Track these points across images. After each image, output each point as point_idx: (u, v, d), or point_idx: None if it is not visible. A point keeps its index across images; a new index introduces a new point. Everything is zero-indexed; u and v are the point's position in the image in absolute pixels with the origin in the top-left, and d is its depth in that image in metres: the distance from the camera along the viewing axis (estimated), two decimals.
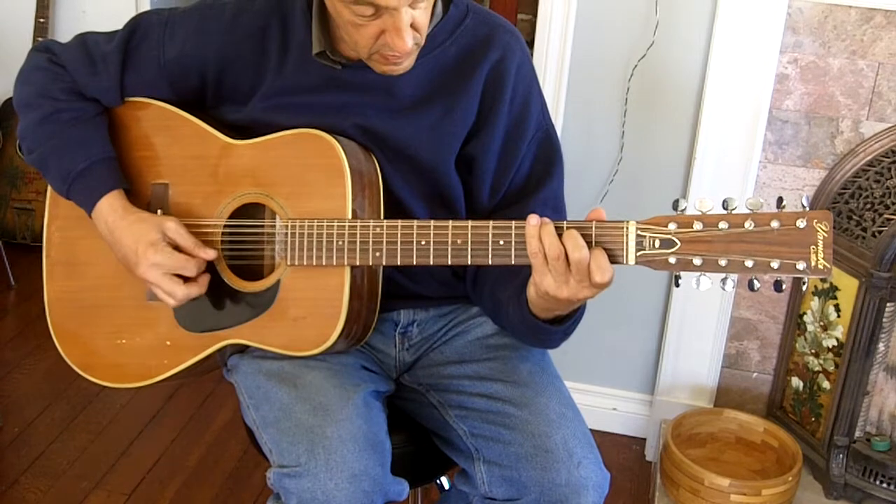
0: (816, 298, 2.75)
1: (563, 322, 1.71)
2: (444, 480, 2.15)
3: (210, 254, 1.80)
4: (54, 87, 1.87)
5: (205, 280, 1.80)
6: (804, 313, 2.81)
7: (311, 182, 1.76)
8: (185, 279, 1.78)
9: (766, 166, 2.77)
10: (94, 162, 1.84)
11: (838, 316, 2.71)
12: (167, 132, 1.89)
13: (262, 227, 1.83)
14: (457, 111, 1.81)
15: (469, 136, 1.84)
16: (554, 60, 2.82)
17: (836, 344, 2.72)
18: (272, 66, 1.82)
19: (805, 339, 2.82)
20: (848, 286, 2.65)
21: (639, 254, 1.54)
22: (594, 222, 1.55)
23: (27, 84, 1.91)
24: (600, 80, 2.85)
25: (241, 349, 1.90)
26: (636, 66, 2.79)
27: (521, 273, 1.66)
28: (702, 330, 2.95)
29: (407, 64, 1.71)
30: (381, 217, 1.80)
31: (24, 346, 3.50)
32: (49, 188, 1.94)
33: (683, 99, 2.80)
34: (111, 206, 1.83)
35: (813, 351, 2.80)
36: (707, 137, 2.76)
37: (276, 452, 1.71)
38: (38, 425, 3.12)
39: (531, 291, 1.64)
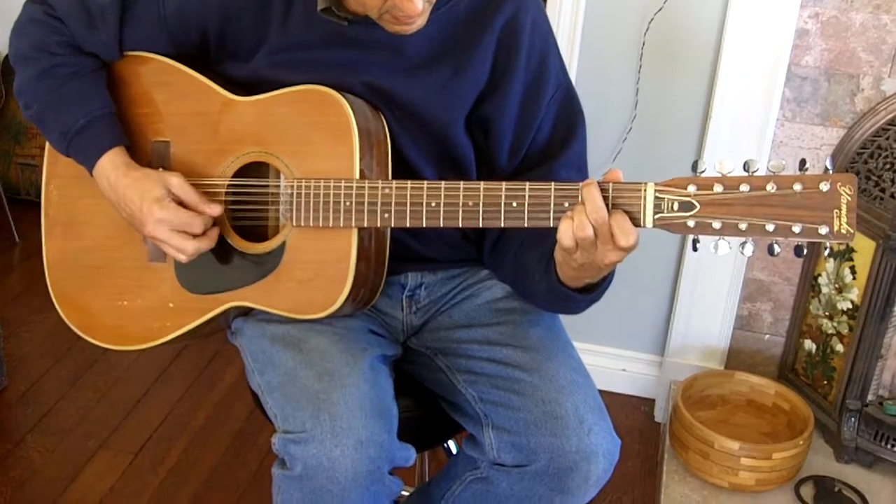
0: (832, 260, 2.72)
1: (592, 290, 1.67)
2: (452, 444, 2.13)
3: (216, 209, 1.76)
4: (51, 40, 1.83)
5: (214, 234, 1.78)
6: (819, 275, 2.78)
7: (317, 140, 1.72)
8: (194, 235, 1.76)
9: (783, 124, 2.72)
10: (94, 118, 1.80)
11: (854, 278, 2.67)
12: (168, 88, 1.85)
13: (267, 186, 1.79)
14: (468, 70, 1.77)
15: (483, 96, 1.79)
16: (567, 13, 2.77)
17: (850, 307, 2.69)
18: (276, 20, 1.77)
19: (819, 301, 2.79)
20: (864, 248, 2.62)
21: (657, 216, 1.50)
22: (611, 184, 1.51)
23: (23, 36, 1.86)
24: (615, 34, 2.80)
25: (246, 311, 1.87)
26: (652, 19, 2.73)
27: (548, 239, 1.62)
28: (714, 291, 2.92)
29: (420, 22, 1.66)
30: (389, 177, 1.76)
31: (29, 304, 3.50)
32: (47, 145, 1.90)
33: (700, 54, 2.75)
34: (113, 163, 1.79)
35: (827, 313, 2.77)
36: (724, 94, 2.71)
37: (280, 418, 1.69)
38: (43, 384, 3.11)
39: (558, 256, 1.60)
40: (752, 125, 2.72)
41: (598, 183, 1.51)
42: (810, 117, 2.71)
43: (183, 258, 1.76)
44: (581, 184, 1.53)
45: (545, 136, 1.82)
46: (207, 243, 1.76)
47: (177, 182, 1.75)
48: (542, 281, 1.70)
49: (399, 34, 1.68)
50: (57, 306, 1.92)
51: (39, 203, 1.93)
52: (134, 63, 1.86)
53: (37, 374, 3.16)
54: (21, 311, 3.46)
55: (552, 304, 1.78)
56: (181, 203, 1.75)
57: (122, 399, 3.08)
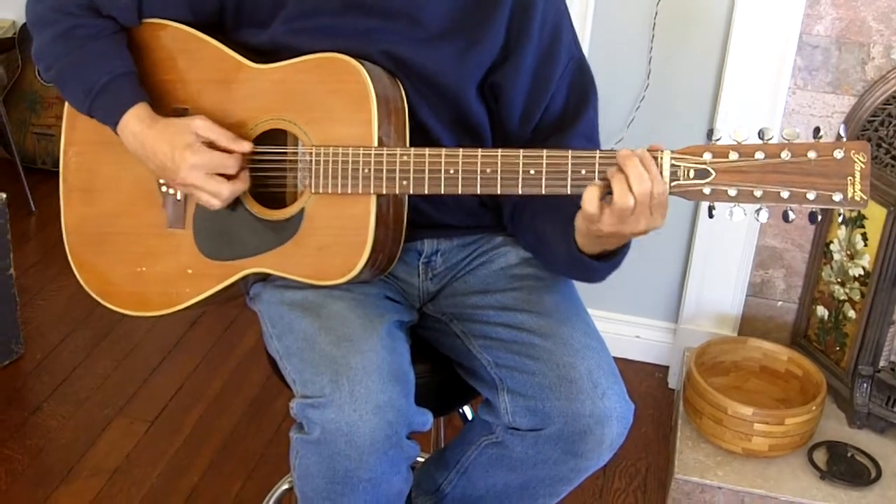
0: (843, 227, 2.73)
1: (610, 258, 1.69)
2: (468, 410, 2.15)
3: (246, 146, 1.76)
4: (70, 2, 1.82)
5: (246, 176, 1.77)
6: (831, 242, 2.78)
7: (335, 108, 1.73)
8: (228, 178, 1.76)
9: (795, 93, 2.72)
10: (117, 76, 1.80)
11: (865, 245, 2.68)
12: (186, 55, 1.85)
13: (286, 153, 1.80)
14: (483, 40, 1.78)
15: (495, 65, 1.81)
16: None
17: (862, 273, 2.70)
18: None
19: (831, 267, 2.80)
20: (876, 215, 2.62)
21: (673, 184, 1.52)
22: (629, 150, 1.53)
23: (42, 0, 1.86)
24: (628, 4, 2.81)
25: (264, 277, 1.88)
26: None
27: (564, 208, 1.63)
28: (727, 258, 2.93)
29: None
30: (407, 144, 1.77)
31: (45, 273, 3.52)
32: (65, 112, 1.91)
33: (712, 24, 2.75)
34: (138, 116, 1.78)
35: (839, 280, 2.78)
36: (736, 63, 2.72)
37: (299, 383, 1.70)
38: (60, 352, 3.13)
39: (581, 226, 1.62)
40: (764, 94, 2.72)
41: (615, 151, 1.54)
42: (821, 86, 2.71)
43: (217, 203, 1.75)
44: (597, 152, 1.56)
45: (558, 107, 1.84)
46: (241, 185, 1.76)
47: (202, 124, 1.75)
48: (561, 249, 1.71)
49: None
50: (76, 273, 1.93)
51: (55, 172, 1.94)
52: (152, 31, 1.86)
53: (53, 342, 3.17)
54: (38, 280, 3.47)
55: (572, 272, 1.80)
56: (211, 145, 1.75)
57: (138, 367, 3.09)
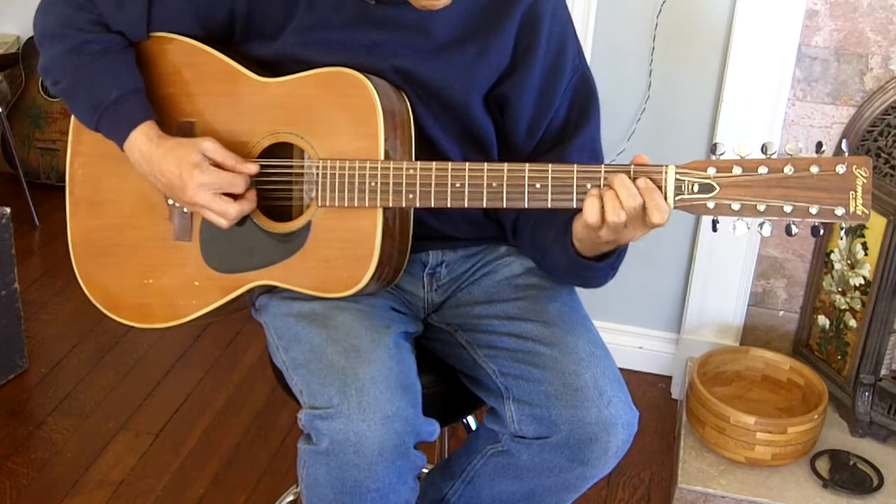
0: (844, 237, 2.74)
1: (608, 257, 1.71)
2: (472, 420, 2.16)
3: (253, 168, 1.77)
4: (80, 18, 1.83)
5: (253, 196, 1.79)
6: (831, 252, 2.80)
7: (341, 122, 1.74)
8: (235, 197, 1.77)
9: (794, 104, 2.74)
10: (125, 92, 1.81)
11: (866, 254, 2.69)
12: (193, 69, 1.86)
13: (292, 167, 1.82)
14: (491, 52, 1.80)
15: (502, 78, 1.82)
16: None
17: (863, 282, 2.71)
18: None
19: (832, 277, 2.81)
20: (876, 224, 2.63)
21: (677, 198, 1.54)
22: (633, 166, 1.55)
23: (50, 14, 1.86)
24: (628, 17, 2.82)
25: (270, 289, 1.89)
26: (665, 2, 2.75)
27: (559, 218, 1.65)
28: (728, 268, 2.94)
29: None
30: (413, 158, 1.79)
31: (50, 287, 3.52)
32: (71, 123, 1.92)
33: (712, 36, 2.77)
34: (146, 135, 1.80)
35: (840, 289, 2.79)
36: (736, 74, 2.73)
37: (307, 394, 1.71)
38: (64, 365, 3.14)
39: (578, 229, 1.64)
40: (764, 105, 2.74)
41: (620, 165, 1.56)
42: (821, 96, 2.72)
43: (224, 223, 1.77)
44: (602, 167, 1.58)
45: (561, 120, 1.86)
46: (248, 205, 1.78)
47: (210, 145, 1.76)
48: (562, 255, 1.73)
49: (427, 9, 1.70)
50: (82, 285, 1.94)
51: (59, 187, 1.95)
52: (159, 44, 1.86)
53: (57, 356, 3.18)
54: (42, 295, 3.47)
55: (573, 278, 1.81)
56: (217, 165, 1.76)
57: (142, 380, 3.10)
